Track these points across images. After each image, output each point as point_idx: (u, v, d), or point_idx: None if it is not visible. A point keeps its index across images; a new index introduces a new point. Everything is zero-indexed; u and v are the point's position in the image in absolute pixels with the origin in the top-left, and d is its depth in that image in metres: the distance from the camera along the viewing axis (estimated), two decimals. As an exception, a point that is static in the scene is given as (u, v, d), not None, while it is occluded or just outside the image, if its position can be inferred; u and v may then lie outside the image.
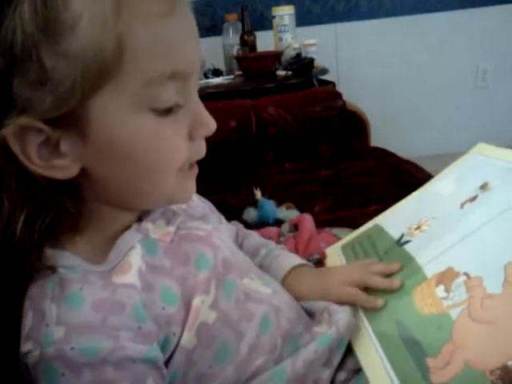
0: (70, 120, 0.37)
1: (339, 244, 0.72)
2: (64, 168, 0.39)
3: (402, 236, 0.58)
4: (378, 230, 0.65)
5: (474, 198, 0.55)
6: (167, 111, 0.40)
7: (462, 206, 0.55)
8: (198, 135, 0.44)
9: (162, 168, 0.42)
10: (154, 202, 0.46)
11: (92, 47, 0.35)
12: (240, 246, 0.66)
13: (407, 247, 0.56)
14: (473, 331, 0.41)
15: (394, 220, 0.65)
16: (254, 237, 0.69)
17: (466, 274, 0.46)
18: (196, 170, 0.47)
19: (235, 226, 0.70)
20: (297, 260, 0.61)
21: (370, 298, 0.52)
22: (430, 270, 0.49)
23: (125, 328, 0.38)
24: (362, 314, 0.52)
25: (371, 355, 0.47)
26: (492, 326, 0.41)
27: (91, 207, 0.43)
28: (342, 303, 0.52)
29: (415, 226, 0.58)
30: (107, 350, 0.36)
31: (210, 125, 0.44)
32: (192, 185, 0.47)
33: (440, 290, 0.46)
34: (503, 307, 0.41)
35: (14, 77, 0.35)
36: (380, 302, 0.51)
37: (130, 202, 0.44)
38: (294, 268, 0.59)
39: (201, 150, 0.45)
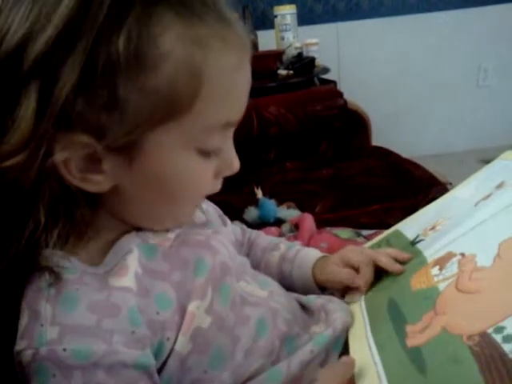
0: (123, 145, 0.37)
1: None
2: (98, 183, 0.39)
3: (417, 236, 0.60)
4: (397, 234, 0.67)
5: (488, 196, 0.55)
6: (209, 153, 0.42)
7: (476, 204, 0.56)
8: (223, 175, 0.47)
9: (186, 199, 0.45)
10: (163, 224, 0.47)
11: (169, 88, 0.36)
12: (251, 244, 0.67)
13: (419, 245, 0.57)
14: (456, 300, 0.42)
15: (412, 224, 0.67)
16: (265, 235, 0.70)
17: (461, 254, 0.46)
18: (203, 199, 0.50)
19: (239, 227, 0.70)
20: (320, 252, 0.63)
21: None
22: (432, 256, 0.51)
23: (119, 332, 0.38)
24: (363, 297, 0.53)
25: (358, 329, 0.48)
26: (476, 294, 0.41)
27: (100, 215, 0.43)
28: (357, 263, 0.56)
29: (430, 227, 0.59)
30: (100, 353, 0.36)
31: (236, 168, 0.47)
32: (195, 209, 0.51)
33: (435, 270, 0.47)
34: (490, 277, 0.41)
35: (82, 95, 0.34)
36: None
37: (141, 221, 0.45)
38: (322, 257, 0.62)
39: (218, 186, 0.48)
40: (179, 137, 0.39)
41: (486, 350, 0.34)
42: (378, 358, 0.41)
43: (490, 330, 0.35)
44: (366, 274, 0.55)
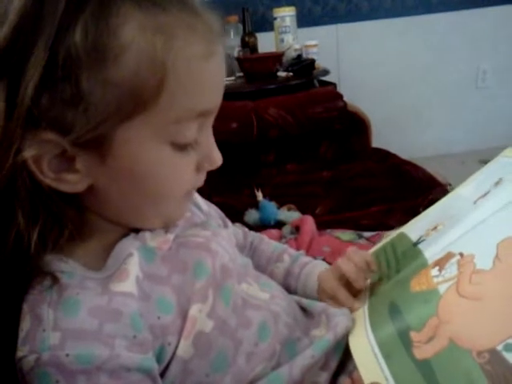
0: (92, 141, 0.36)
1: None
2: (73, 183, 0.38)
3: (420, 237, 0.59)
4: (401, 236, 0.66)
5: (486, 194, 0.55)
6: (185, 146, 0.41)
7: (475, 202, 0.56)
8: (204, 169, 0.45)
9: (167, 195, 0.43)
10: (151, 222, 0.46)
11: (133, 79, 0.35)
12: (254, 250, 0.66)
13: (420, 245, 0.57)
14: (459, 307, 0.41)
15: (416, 226, 0.66)
16: (268, 240, 0.69)
17: (460, 253, 0.46)
18: (193, 194, 0.49)
19: (241, 230, 0.69)
20: (324, 265, 0.62)
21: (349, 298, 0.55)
22: (432, 258, 0.50)
23: (120, 336, 0.37)
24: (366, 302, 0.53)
25: (359, 331, 0.47)
26: (479, 302, 0.40)
27: (90, 217, 0.43)
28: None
29: (432, 228, 0.59)
30: (102, 358, 0.36)
31: (218, 161, 0.45)
32: (186, 206, 0.49)
33: (434, 270, 0.47)
34: (491, 284, 0.41)
35: (47, 92, 0.34)
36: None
37: (128, 220, 0.45)
38: (325, 271, 0.60)
39: (201, 180, 0.47)
40: (149, 130, 0.38)
41: (497, 369, 0.34)
42: (388, 372, 0.40)
43: (499, 348, 0.35)
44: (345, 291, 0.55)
